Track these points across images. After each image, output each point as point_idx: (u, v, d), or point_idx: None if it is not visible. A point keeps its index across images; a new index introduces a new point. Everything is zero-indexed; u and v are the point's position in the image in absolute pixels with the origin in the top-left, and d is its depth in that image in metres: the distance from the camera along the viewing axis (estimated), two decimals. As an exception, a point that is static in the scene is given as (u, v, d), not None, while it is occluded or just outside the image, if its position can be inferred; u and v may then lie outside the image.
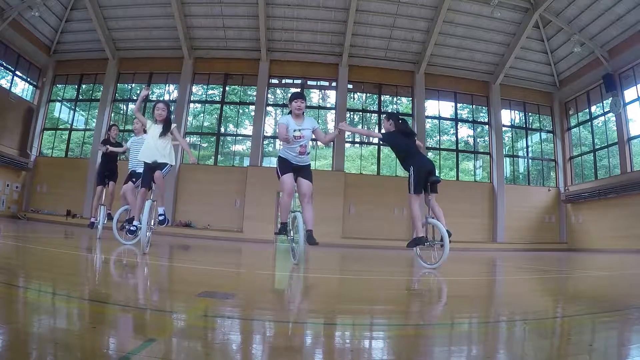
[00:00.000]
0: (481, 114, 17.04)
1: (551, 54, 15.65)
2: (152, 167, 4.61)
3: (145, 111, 16.62)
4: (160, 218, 4.78)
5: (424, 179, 4.81)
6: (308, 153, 4.54)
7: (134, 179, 5.99)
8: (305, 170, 4.54)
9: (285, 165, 4.47)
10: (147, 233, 4.50)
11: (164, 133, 4.66)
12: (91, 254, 4.61)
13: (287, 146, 4.46)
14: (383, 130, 5.29)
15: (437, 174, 5.02)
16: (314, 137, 4.61)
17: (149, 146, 4.67)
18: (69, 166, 15.43)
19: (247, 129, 16.76)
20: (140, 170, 5.14)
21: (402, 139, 5.09)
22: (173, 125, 4.76)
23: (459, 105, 17.01)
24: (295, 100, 4.49)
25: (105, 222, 6.73)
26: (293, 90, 17.60)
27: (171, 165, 4.74)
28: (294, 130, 4.41)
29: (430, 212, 4.81)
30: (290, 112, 4.55)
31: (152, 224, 4.81)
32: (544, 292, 3.54)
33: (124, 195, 6.02)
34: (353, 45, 15.22)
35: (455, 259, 8.73)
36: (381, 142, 5.45)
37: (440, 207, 4.80)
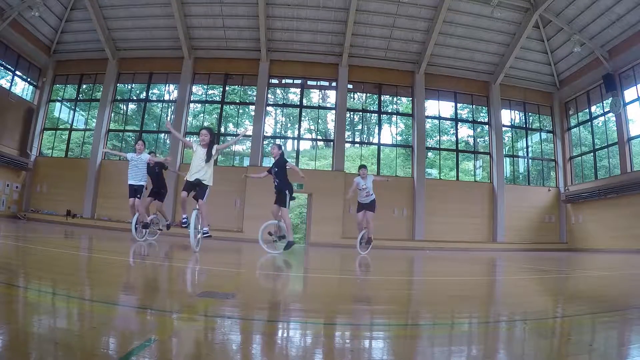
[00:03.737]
0: (481, 114, 17.03)
1: (551, 54, 15.65)
2: (193, 184, 5.57)
3: (146, 111, 16.68)
4: (204, 232, 5.71)
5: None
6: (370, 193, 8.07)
7: (139, 195, 7.38)
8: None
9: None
10: (198, 236, 5.52)
11: (208, 159, 5.58)
12: (91, 255, 4.61)
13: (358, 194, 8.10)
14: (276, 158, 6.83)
15: None
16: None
17: (194, 167, 5.59)
18: (69, 166, 15.43)
19: (247, 129, 16.76)
20: (133, 182, 7.32)
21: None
22: (214, 149, 5.65)
23: (459, 105, 17.00)
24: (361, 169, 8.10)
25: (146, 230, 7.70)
26: (293, 90, 17.63)
27: (210, 187, 5.70)
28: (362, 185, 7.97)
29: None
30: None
31: (199, 229, 5.72)
32: (544, 292, 3.54)
33: (134, 208, 7.36)
34: (353, 45, 15.21)
35: (455, 259, 8.73)
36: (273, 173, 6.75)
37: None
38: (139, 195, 7.46)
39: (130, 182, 7.43)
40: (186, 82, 15.63)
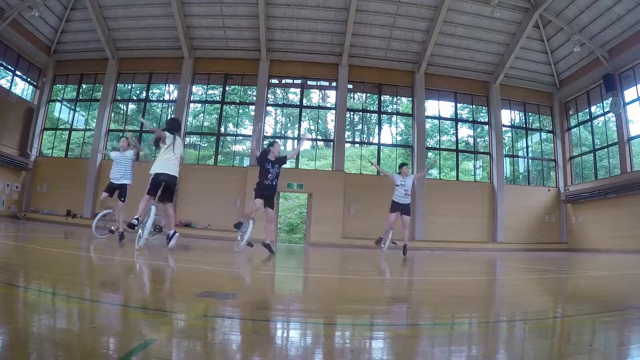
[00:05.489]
0: (481, 114, 17.03)
1: (551, 54, 15.64)
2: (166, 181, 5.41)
3: (145, 112, 16.68)
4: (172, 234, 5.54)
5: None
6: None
7: (123, 198, 7.16)
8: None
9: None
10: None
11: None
12: (91, 254, 4.61)
13: None
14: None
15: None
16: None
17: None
18: (69, 166, 15.43)
19: (247, 129, 16.77)
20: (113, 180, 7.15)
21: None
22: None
23: (459, 105, 17.00)
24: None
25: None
26: (293, 90, 17.63)
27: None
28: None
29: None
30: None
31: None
32: (544, 292, 3.54)
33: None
34: (353, 45, 15.21)
35: (455, 259, 8.73)
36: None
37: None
38: (123, 198, 7.06)
39: (111, 180, 7.20)
40: (186, 82, 15.62)
